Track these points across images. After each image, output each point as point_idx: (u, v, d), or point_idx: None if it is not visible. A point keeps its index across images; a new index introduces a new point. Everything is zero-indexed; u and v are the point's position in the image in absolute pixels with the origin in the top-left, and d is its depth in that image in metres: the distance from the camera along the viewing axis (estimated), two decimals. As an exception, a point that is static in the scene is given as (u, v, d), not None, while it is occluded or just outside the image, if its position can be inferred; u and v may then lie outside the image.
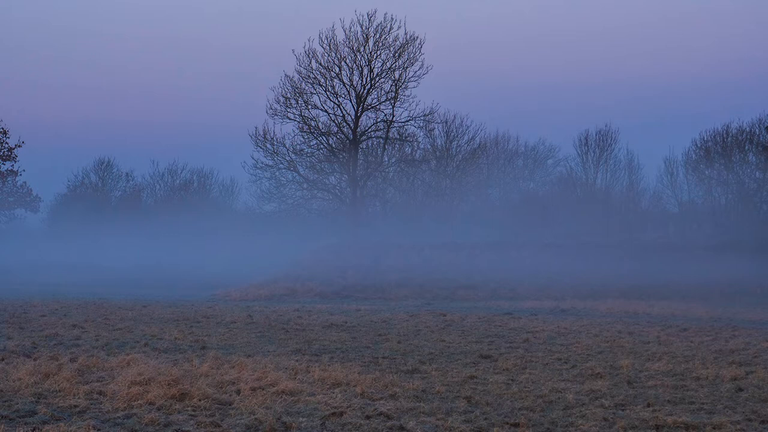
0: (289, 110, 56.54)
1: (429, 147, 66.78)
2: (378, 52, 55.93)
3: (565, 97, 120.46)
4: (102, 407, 11.34)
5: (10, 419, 10.60)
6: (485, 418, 10.92)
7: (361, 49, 55.94)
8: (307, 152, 58.00)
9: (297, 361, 15.73)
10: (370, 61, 55.91)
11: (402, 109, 56.72)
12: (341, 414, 11.00)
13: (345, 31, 56.20)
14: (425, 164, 65.49)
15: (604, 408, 11.61)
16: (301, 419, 10.75)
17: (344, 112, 56.83)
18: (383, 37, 55.82)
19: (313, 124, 57.03)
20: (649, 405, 11.82)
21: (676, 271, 44.64)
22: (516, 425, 10.57)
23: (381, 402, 11.84)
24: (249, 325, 22.99)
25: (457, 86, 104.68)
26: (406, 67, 55.89)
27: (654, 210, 67.46)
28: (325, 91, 56.30)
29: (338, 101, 56.53)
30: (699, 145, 63.16)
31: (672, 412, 11.35)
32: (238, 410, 11.25)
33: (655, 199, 67.57)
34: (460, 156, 67.84)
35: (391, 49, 55.87)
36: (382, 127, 57.75)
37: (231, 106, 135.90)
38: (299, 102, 56.51)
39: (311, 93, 56.49)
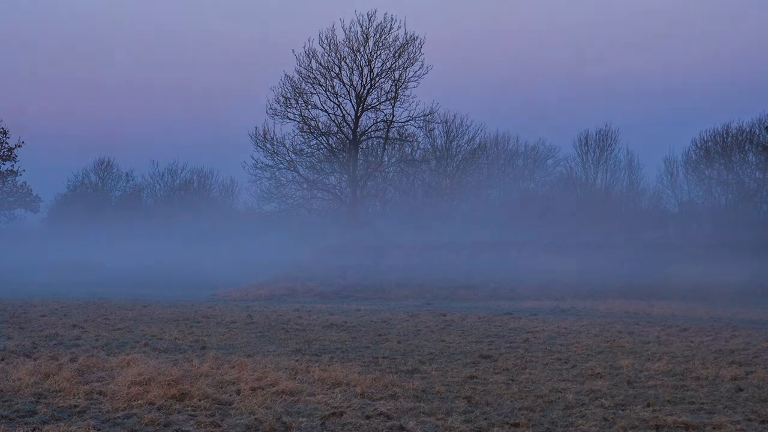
0: (289, 110, 56.64)
1: (429, 147, 66.81)
2: (378, 52, 56.02)
3: (565, 97, 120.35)
4: (102, 407, 11.34)
5: (10, 419, 10.60)
6: (485, 418, 10.93)
7: (361, 49, 56.03)
8: (307, 152, 58.05)
9: (297, 361, 15.74)
10: (370, 61, 55.96)
11: (402, 109, 56.83)
12: (341, 414, 11.00)
13: (345, 31, 56.32)
14: (425, 164, 65.51)
15: (604, 408, 11.62)
16: (301, 419, 10.75)
17: (344, 112, 56.90)
18: (383, 37, 55.91)
19: (313, 124, 57.13)
20: (649, 405, 11.82)
21: (676, 271, 44.63)
22: (516, 425, 10.57)
23: (381, 402, 11.85)
24: (249, 325, 22.99)
25: (457, 86, 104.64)
26: (406, 67, 55.99)
27: (654, 210, 67.49)
28: (325, 91, 56.37)
29: (338, 101, 56.59)
30: (699, 145, 63.20)
31: (672, 412, 11.35)
32: (238, 410, 11.25)
33: (655, 199, 67.61)
34: (460, 156, 67.85)
35: (391, 49, 55.95)
36: (382, 127, 57.81)
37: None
38: (299, 102, 56.60)
39: (311, 93, 56.59)
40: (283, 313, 27.46)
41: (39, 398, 11.83)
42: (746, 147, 61.58)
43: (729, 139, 62.05)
